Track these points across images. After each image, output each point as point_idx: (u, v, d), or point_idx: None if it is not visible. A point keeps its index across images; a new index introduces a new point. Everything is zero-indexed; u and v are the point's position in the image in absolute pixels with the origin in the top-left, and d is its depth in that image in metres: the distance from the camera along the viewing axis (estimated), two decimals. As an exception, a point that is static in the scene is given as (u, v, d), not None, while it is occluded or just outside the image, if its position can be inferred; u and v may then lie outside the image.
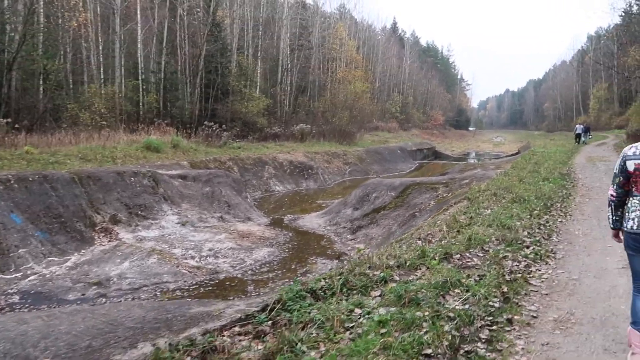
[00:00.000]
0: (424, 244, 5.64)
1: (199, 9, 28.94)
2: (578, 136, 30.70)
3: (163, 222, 12.93)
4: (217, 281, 9.45)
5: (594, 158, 18.12)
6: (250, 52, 34.89)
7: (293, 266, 10.61)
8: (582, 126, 32.20)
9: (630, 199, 2.98)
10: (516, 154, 33.32)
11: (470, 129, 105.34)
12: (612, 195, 3.10)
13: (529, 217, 7.04)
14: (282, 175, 22.74)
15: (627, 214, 2.99)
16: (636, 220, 2.89)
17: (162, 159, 17.67)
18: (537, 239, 5.85)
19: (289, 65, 38.09)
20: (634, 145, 3.01)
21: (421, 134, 60.30)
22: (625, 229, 2.98)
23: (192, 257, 10.62)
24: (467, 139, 76.92)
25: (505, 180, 10.91)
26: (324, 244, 12.58)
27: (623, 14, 45.40)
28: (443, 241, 5.62)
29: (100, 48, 25.62)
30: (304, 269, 10.36)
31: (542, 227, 6.43)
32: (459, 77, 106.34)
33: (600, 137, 40.57)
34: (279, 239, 12.78)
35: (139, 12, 27.61)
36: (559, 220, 7.06)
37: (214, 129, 23.03)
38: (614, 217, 3.14)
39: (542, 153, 21.80)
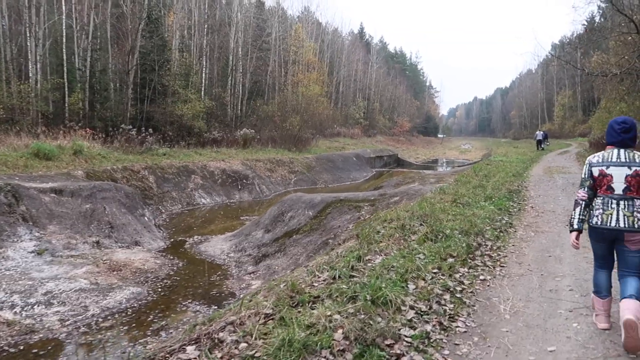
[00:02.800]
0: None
1: (129, 1, 25.84)
2: (539, 142, 32.51)
3: (10, 250, 9.90)
4: (22, 347, 6.56)
5: (553, 169, 15.85)
6: (195, 51, 31.93)
7: (151, 317, 7.79)
8: (542, 133, 34.01)
9: (596, 199, 3.49)
10: (479, 161, 31.18)
11: (440, 135, 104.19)
12: (582, 196, 3.54)
13: (436, 271, 4.43)
14: (212, 186, 19.84)
15: (592, 211, 3.49)
16: (599, 217, 3.41)
17: (52, 168, 14.59)
18: (426, 330, 3.20)
19: (241, 67, 35.26)
20: (596, 154, 3.57)
21: (386, 141, 58.11)
22: (591, 224, 3.49)
23: (12, 306, 7.68)
24: (434, 146, 75.28)
25: (434, 201, 8.34)
26: (216, 278, 9.80)
27: (586, 23, 44.61)
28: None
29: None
30: (163, 322, 7.57)
31: (445, 300, 3.79)
32: (427, 84, 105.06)
33: (564, 145, 39.00)
34: (160, 273, 9.95)
35: (64, 4, 24.40)
36: (481, 277, 4.46)
37: (134, 133, 20.00)
38: (579, 217, 3.55)
39: (499, 162, 19.50)
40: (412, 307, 3.55)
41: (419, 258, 4.80)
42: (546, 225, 6.77)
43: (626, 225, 3.27)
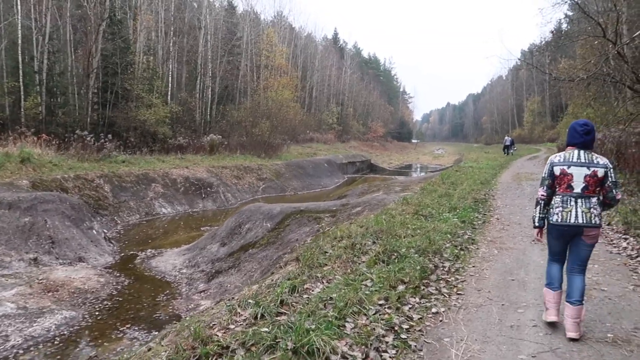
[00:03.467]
0: None
1: (91, 1, 24.70)
2: (506, 147, 33.56)
3: None
4: None
5: (522, 176, 15.53)
6: (162, 54, 30.88)
7: (81, 346, 6.95)
8: (509, 139, 35.17)
9: (554, 197, 3.64)
10: (450, 167, 31.01)
11: (414, 141, 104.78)
12: (542, 195, 3.69)
13: (382, 302, 3.79)
14: (174, 194, 18.91)
15: (551, 209, 3.63)
16: (559, 214, 3.56)
17: (-7, 177, 13.50)
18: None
19: (210, 71, 34.32)
20: (558, 154, 3.70)
21: (360, 146, 57.81)
22: (551, 221, 3.62)
23: None
24: (408, 151, 75.48)
25: (395, 213, 7.74)
26: (163, 299, 8.98)
27: (553, 31, 45.38)
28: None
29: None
30: (93, 352, 6.74)
31: (387, 344, 3.15)
32: (401, 89, 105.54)
33: (534, 150, 39.24)
34: (102, 293, 9.07)
35: (18, 3, 23.11)
36: (434, 309, 3.82)
37: (90, 139, 18.93)
38: (540, 215, 3.73)
39: (468, 169, 19.16)
40: (343, 357, 2.88)
41: (365, 285, 4.16)
42: (511, 240, 6.23)
43: (584, 221, 3.46)
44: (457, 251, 5.48)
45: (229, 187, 21.76)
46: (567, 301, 3.49)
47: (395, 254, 5.13)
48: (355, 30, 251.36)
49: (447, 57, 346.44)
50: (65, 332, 7.37)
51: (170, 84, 30.12)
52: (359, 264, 4.83)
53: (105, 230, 13.84)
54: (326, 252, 5.18)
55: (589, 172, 3.46)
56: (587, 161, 3.49)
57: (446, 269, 4.83)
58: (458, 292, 4.24)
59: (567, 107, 45.71)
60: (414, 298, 4.00)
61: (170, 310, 8.36)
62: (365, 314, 3.56)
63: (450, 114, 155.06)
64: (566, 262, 3.69)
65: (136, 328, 7.58)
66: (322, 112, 55.81)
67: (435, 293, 4.17)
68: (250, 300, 3.65)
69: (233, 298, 4.24)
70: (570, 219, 3.49)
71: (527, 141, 56.38)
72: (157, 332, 7.25)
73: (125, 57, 25.65)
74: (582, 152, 3.53)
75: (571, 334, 3.35)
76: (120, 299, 8.87)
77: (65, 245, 10.89)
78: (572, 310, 3.42)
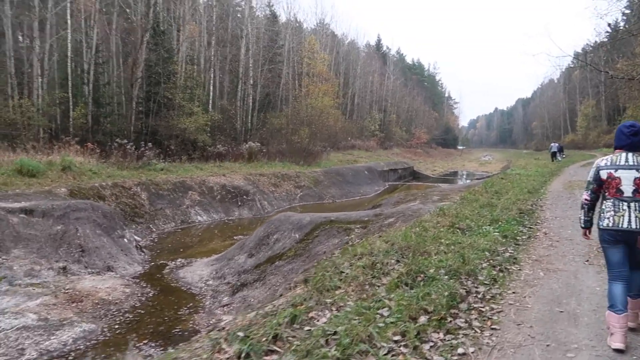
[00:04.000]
0: None
1: (132, 12, 25.28)
2: (554, 154, 32.14)
3: (-37, 278, 8.96)
4: None
5: (574, 184, 14.28)
6: (204, 64, 31.25)
7: (93, 363, 6.66)
8: (557, 145, 34.06)
9: (604, 202, 3.49)
10: (497, 174, 29.56)
11: (459, 147, 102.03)
12: (586, 200, 3.63)
13: (398, 339, 3.16)
14: (210, 202, 18.80)
15: (602, 214, 3.47)
16: (610, 219, 3.37)
17: (34, 185, 13.73)
18: None
19: (252, 79, 34.47)
20: (604, 157, 3.58)
21: (402, 153, 56.60)
22: (601, 226, 3.44)
23: None
24: (453, 157, 73.36)
25: (428, 225, 7.04)
26: (185, 312, 8.62)
27: (609, 31, 42.78)
28: None
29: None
30: (105, 371, 6.42)
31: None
32: (446, 95, 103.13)
33: (588, 157, 36.88)
34: (125, 304, 8.83)
35: (69, 18, 23.92)
36: (460, 350, 3.14)
37: (131, 147, 19.16)
38: (585, 218, 3.68)
39: (515, 176, 17.96)
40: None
41: (381, 315, 3.53)
42: (560, 260, 5.38)
43: (638, 227, 3.26)
44: (494, 273, 4.73)
45: (266, 194, 21.48)
46: (628, 295, 3.31)
47: (422, 276, 4.46)
48: (399, 36, 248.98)
49: (495, 62, 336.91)
50: (82, 346, 7.11)
51: (211, 93, 30.40)
52: (378, 287, 4.20)
53: (138, 239, 13.77)
54: (342, 272, 4.57)
55: (638, 175, 3.33)
56: (636, 163, 3.37)
57: (480, 295, 4.11)
58: (492, 327, 3.52)
59: (626, 110, 42.89)
60: (438, 333, 3.33)
61: (191, 326, 7.97)
62: (374, 354, 2.94)
63: (498, 119, 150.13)
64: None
65: (153, 344, 7.22)
66: (364, 118, 55.09)
67: (464, 327, 3.48)
68: (239, 333, 3.11)
69: (223, 328, 3.71)
70: (623, 224, 3.31)
71: (580, 147, 53.36)
72: (172, 350, 6.87)
73: (168, 67, 26.03)
74: (630, 154, 3.41)
75: (633, 324, 3.30)
76: (143, 312, 8.58)
77: (95, 254, 10.80)
78: (634, 303, 3.31)
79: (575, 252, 5.73)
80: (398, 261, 4.84)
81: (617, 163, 3.43)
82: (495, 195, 11.41)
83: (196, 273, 10.71)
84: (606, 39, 50.15)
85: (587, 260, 5.23)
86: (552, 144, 34.71)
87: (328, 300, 3.81)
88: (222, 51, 34.85)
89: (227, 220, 18.37)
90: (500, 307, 3.86)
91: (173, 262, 11.84)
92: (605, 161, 3.54)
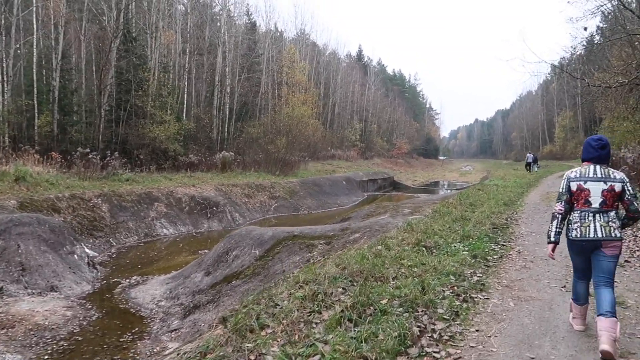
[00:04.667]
0: None
1: (104, 17, 24.36)
2: (528, 165, 32.48)
3: None
4: None
5: (552, 195, 13.79)
6: (179, 71, 30.38)
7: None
8: (532, 155, 33.87)
9: (572, 213, 3.59)
10: (474, 185, 29.20)
11: (441, 157, 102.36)
12: (560, 210, 3.62)
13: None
14: (177, 214, 17.88)
15: (570, 225, 3.59)
16: (578, 230, 3.49)
17: (-20, 196, 12.71)
18: None
19: (229, 88, 33.70)
20: (574, 169, 3.67)
21: (383, 163, 56.23)
22: (570, 237, 3.57)
23: None
24: (434, 168, 73.32)
25: (392, 243, 6.35)
26: (128, 338, 7.75)
27: (585, 44, 43.17)
28: None
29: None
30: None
31: None
32: (427, 106, 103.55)
33: (565, 167, 36.83)
34: (62, 330, 7.93)
35: (34, 22, 22.92)
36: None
37: (94, 156, 18.16)
38: (556, 230, 3.65)
39: (493, 187, 17.48)
40: None
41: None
42: (534, 285, 4.71)
43: (604, 235, 3.39)
44: (457, 303, 4.02)
45: (238, 206, 20.63)
46: (599, 314, 3.24)
47: (372, 309, 3.74)
48: (380, 47, 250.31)
49: (476, 73, 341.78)
50: (-1, 383, 6.21)
51: (186, 101, 29.51)
52: (315, 325, 3.46)
53: (93, 254, 12.82)
54: (277, 304, 3.82)
55: (606, 187, 3.43)
56: (603, 176, 3.46)
57: (437, 335, 3.39)
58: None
59: (602, 121, 43.20)
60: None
61: (131, 355, 7.10)
62: None
63: (479, 130, 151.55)
64: (592, 277, 3.56)
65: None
66: (345, 128, 54.63)
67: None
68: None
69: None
70: (589, 234, 3.44)
71: (558, 157, 53.68)
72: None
73: (139, 74, 25.12)
74: (598, 167, 3.51)
75: (604, 346, 3.01)
76: (80, 339, 7.68)
77: (37, 272, 9.85)
78: (606, 322, 3.16)
79: (551, 276, 5.08)
80: (345, 290, 4.11)
81: (586, 175, 3.51)
82: (469, 207, 10.81)
83: (149, 292, 9.83)
84: (583, 46, 50.83)
85: (564, 286, 4.58)
86: (528, 155, 35.01)
87: (248, 346, 3.05)
88: (200, 59, 34.08)
89: (195, 233, 17.48)
90: (459, 351, 3.15)
91: (127, 280, 10.94)
92: (574, 173, 3.61)
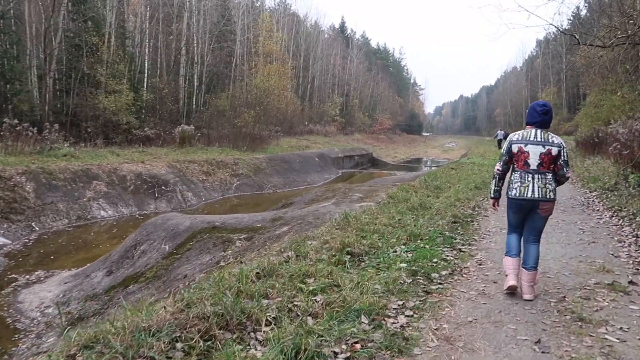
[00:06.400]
0: None
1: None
2: (499, 142, 31.31)
3: None
4: None
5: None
6: (137, 37, 27.81)
7: None
8: (502, 132, 32.87)
9: (513, 173, 3.79)
10: (447, 164, 27.57)
11: (425, 134, 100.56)
12: (498, 170, 3.89)
13: None
14: (120, 194, 15.88)
15: (511, 184, 3.77)
16: (517, 189, 3.68)
17: None
18: None
19: (197, 57, 31.22)
20: (517, 133, 3.79)
21: (364, 139, 54.29)
22: (510, 195, 3.76)
23: None
24: (417, 144, 71.57)
25: (311, 247, 4.55)
26: (-22, 364, 5.91)
27: (572, 18, 41.27)
28: None
29: None
30: None
31: None
32: (411, 81, 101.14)
33: (548, 144, 35.39)
34: None
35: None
36: None
37: (24, 128, 15.96)
38: (496, 188, 3.97)
39: (469, 165, 15.76)
40: None
41: None
42: (492, 338, 2.86)
43: (540, 196, 3.61)
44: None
45: (194, 184, 18.66)
46: (522, 267, 3.68)
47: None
48: (364, 20, 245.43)
49: (462, 49, 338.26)
50: None
51: (147, 70, 27.07)
52: None
53: (1, 242, 10.85)
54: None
55: (544, 150, 3.60)
56: (543, 140, 3.63)
57: None
58: None
59: (586, 97, 41.71)
60: None
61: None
62: None
63: (463, 106, 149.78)
64: (523, 233, 3.83)
65: None
66: (325, 103, 52.38)
67: None
68: None
69: None
70: (527, 194, 3.62)
71: (541, 134, 52.26)
72: None
73: (90, 39, 22.64)
74: (539, 131, 3.67)
75: (526, 296, 3.56)
76: None
77: None
78: (528, 275, 3.63)
79: (521, 315, 3.28)
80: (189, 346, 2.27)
81: (527, 138, 3.67)
82: (434, 191, 9.03)
83: (40, 295, 7.95)
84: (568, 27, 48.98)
85: (539, 342, 2.78)
86: (499, 132, 33.79)
87: None
88: (165, 27, 31.47)
89: (139, 215, 15.52)
90: None
91: (26, 277, 9.02)
92: (517, 136, 3.75)
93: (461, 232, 5.63)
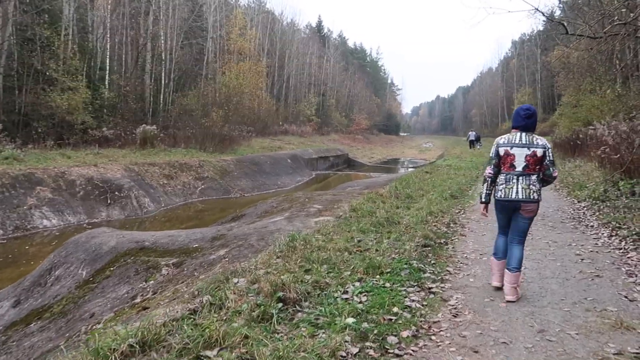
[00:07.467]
0: None
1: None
2: (471, 142, 32.00)
3: None
4: None
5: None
6: (98, 31, 26.09)
7: None
8: (474, 133, 33.42)
9: (500, 176, 3.83)
10: (433, 162, 26.72)
11: (403, 134, 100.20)
12: (489, 173, 3.87)
13: None
14: (67, 200, 14.38)
15: (497, 186, 3.84)
16: (502, 190, 3.76)
17: None
18: None
19: (164, 54, 29.63)
20: (503, 136, 3.86)
21: (341, 139, 53.21)
22: (495, 197, 3.83)
23: None
24: (394, 144, 70.92)
25: (234, 292, 3.32)
26: None
27: (545, 20, 41.10)
28: None
29: None
30: None
31: None
32: (388, 81, 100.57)
33: (524, 145, 34.90)
34: None
35: None
36: None
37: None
38: (487, 192, 3.94)
39: (444, 168, 14.78)
40: None
41: None
42: None
43: (523, 197, 3.67)
44: None
45: (153, 189, 17.23)
46: (506, 268, 3.72)
47: None
48: (341, 20, 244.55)
49: (440, 50, 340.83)
50: None
51: (108, 67, 25.38)
52: None
53: None
54: None
55: (529, 152, 3.66)
56: (527, 142, 3.69)
57: None
58: None
59: (561, 97, 41.53)
60: None
61: None
62: None
63: (440, 107, 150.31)
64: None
65: None
66: (301, 102, 51.13)
67: None
68: None
69: None
70: (511, 195, 3.70)
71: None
72: None
73: (43, 32, 20.93)
74: (524, 134, 3.73)
75: (509, 297, 3.58)
76: None
77: None
78: (510, 276, 3.65)
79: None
80: None
81: (513, 141, 3.73)
82: (405, 201, 7.93)
83: None
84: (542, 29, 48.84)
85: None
86: (470, 133, 34.26)
87: None
88: (132, 22, 29.80)
89: (88, 224, 14.05)
90: None
91: None
92: (503, 139, 3.81)
93: (432, 261, 4.51)
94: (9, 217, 12.76)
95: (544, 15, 7.90)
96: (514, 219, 3.75)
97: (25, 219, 13.04)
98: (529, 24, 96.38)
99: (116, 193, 15.54)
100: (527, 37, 63.82)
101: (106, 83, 24.71)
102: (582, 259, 4.53)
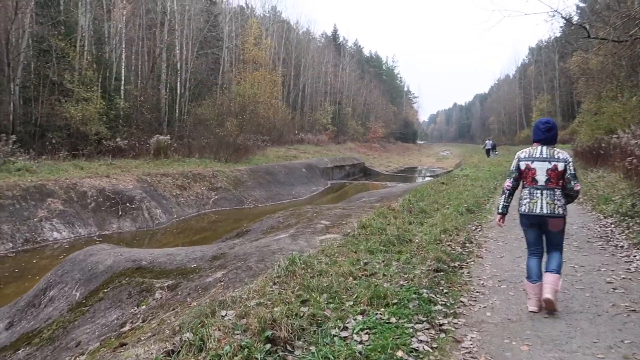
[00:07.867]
0: None
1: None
2: (488, 151, 32.34)
3: None
4: None
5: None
6: (114, 42, 26.27)
7: None
8: (490, 142, 34.01)
9: (522, 189, 3.82)
10: (438, 176, 26.11)
11: (420, 142, 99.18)
12: (508, 186, 3.89)
13: None
14: (78, 212, 14.25)
15: (520, 201, 3.80)
16: (527, 205, 3.71)
17: None
18: None
19: (180, 64, 29.74)
20: (524, 150, 3.86)
21: (357, 148, 52.78)
22: (520, 212, 3.79)
23: None
24: (411, 152, 70.17)
25: (230, 324, 2.93)
26: None
27: (564, 25, 40.12)
28: None
29: None
30: None
31: None
32: (405, 89, 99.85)
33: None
34: None
35: None
36: None
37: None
38: (504, 203, 3.92)
39: (461, 179, 14.23)
40: None
41: None
42: None
43: (548, 212, 3.61)
44: None
45: (166, 200, 17.04)
46: (546, 271, 3.64)
47: None
48: (356, 28, 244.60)
49: (456, 58, 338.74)
50: None
51: (124, 77, 25.50)
52: None
53: None
54: None
55: (550, 166, 3.63)
56: (548, 156, 3.67)
57: None
58: None
59: (581, 104, 40.45)
60: None
61: None
62: None
63: (457, 114, 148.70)
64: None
65: None
66: (317, 111, 50.90)
67: None
68: None
69: None
70: (536, 209, 3.65)
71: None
72: None
73: (59, 43, 21.09)
74: (544, 147, 3.71)
75: (547, 295, 3.48)
76: None
77: None
78: (550, 277, 3.57)
79: None
80: None
81: (534, 155, 3.73)
82: (418, 216, 7.47)
83: None
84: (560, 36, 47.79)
85: None
86: (487, 141, 34.85)
87: None
88: (148, 33, 30.03)
89: (99, 236, 13.89)
90: None
91: None
92: (524, 153, 3.81)
93: (444, 290, 4.06)
94: (19, 230, 12.64)
95: (562, 17, 7.39)
96: (545, 234, 3.71)
97: (36, 231, 12.92)
98: (547, 29, 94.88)
99: (127, 204, 15.37)
100: (545, 43, 62.63)
101: (121, 93, 24.81)
102: (614, 288, 4.02)
